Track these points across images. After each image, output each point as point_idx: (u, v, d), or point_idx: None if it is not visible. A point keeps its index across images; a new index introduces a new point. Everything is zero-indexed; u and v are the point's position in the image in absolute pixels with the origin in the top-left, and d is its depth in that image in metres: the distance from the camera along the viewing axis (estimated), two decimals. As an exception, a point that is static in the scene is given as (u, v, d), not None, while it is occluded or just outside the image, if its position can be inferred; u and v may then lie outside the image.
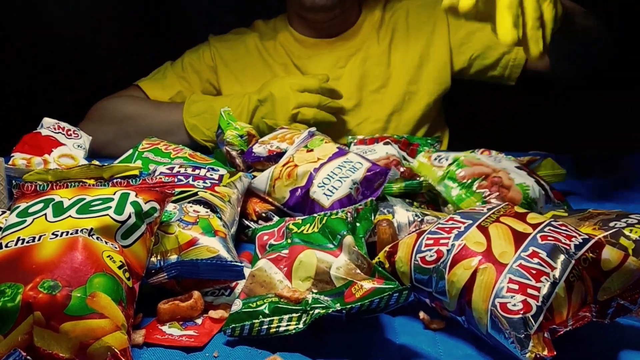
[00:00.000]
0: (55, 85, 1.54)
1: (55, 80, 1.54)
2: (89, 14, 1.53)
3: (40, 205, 0.67)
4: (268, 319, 0.63)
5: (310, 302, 0.64)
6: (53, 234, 0.62)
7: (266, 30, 1.44)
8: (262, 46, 1.42)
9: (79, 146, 1.09)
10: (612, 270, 0.62)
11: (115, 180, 0.77)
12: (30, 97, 1.54)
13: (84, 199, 0.68)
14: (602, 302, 0.62)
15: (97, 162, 0.99)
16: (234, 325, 0.64)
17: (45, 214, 0.65)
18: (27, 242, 0.61)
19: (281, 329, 0.63)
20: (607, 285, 0.62)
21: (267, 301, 0.65)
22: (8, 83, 1.50)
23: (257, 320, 0.64)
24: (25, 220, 0.65)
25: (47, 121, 1.12)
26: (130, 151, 1.03)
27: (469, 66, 1.39)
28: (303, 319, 0.63)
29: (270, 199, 0.93)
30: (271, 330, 0.63)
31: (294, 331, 0.63)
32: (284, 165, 0.93)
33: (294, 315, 0.63)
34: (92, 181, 0.86)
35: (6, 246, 0.61)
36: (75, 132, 1.12)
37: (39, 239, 0.61)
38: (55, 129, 1.08)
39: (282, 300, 0.65)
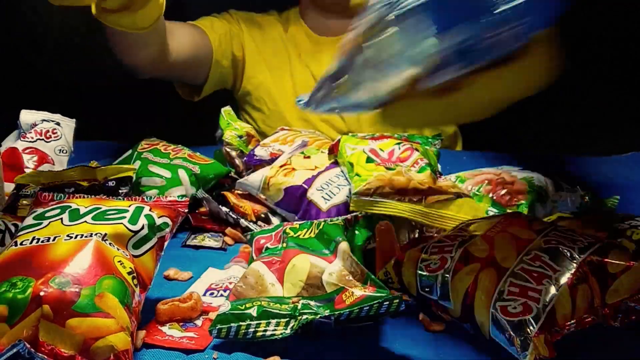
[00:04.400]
0: (52, 81, 1.54)
1: (53, 76, 1.54)
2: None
3: (57, 211, 0.68)
4: (255, 322, 0.63)
5: (299, 307, 0.64)
6: (68, 235, 0.63)
7: (282, 20, 1.44)
8: (285, 37, 1.42)
9: (60, 150, 1.08)
10: (620, 272, 0.62)
11: (132, 197, 0.78)
12: (28, 94, 1.54)
13: (100, 207, 0.69)
14: (610, 305, 0.62)
15: (95, 163, 0.99)
16: (220, 326, 0.64)
17: (61, 218, 0.67)
18: (42, 241, 0.63)
19: (268, 333, 0.63)
20: (615, 288, 0.62)
21: (256, 304, 0.65)
22: (7, 80, 1.50)
23: (244, 323, 0.63)
24: (42, 223, 0.66)
25: (24, 121, 1.09)
26: (129, 152, 1.03)
27: None
28: (291, 324, 0.63)
29: (262, 198, 0.93)
30: (257, 334, 0.63)
31: (280, 336, 0.62)
32: (280, 167, 0.93)
33: (282, 320, 0.63)
34: (85, 183, 0.86)
35: (21, 244, 0.63)
36: (55, 130, 1.09)
37: (53, 240, 0.63)
38: (32, 135, 1.06)
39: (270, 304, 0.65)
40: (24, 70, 1.59)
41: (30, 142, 1.06)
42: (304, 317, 0.63)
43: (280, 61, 1.40)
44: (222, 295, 0.74)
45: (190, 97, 1.41)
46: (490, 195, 0.88)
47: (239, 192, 0.96)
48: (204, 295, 0.74)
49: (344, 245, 0.71)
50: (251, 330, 0.63)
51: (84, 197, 0.73)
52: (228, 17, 1.41)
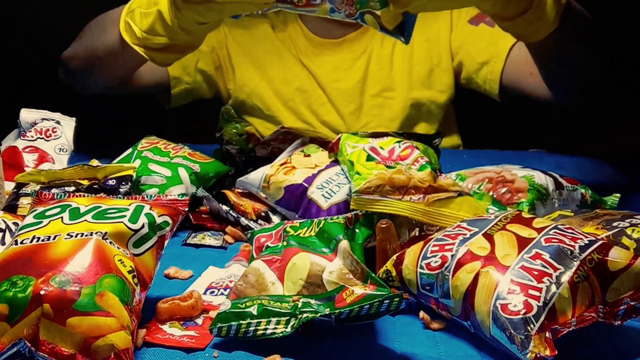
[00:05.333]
0: (52, 81, 1.54)
1: (53, 76, 1.53)
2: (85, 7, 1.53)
3: (58, 210, 0.69)
4: (255, 320, 0.63)
5: (300, 306, 0.64)
6: (68, 234, 0.64)
7: (276, 21, 1.42)
8: (274, 36, 1.40)
9: (60, 149, 1.08)
10: (621, 270, 0.62)
11: (133, 196, 0.78)
12: (28, 94, 1.54)
13: (100, 206, 0.69)
14: (611, 303, 0.62)
15: (96, 161, 0.99)
16: (220, 324, 0.64)
17: (62, 217, 0.67)
18: (42, 240, 0.63)
19: (268, 331, 0.63)
20: (615, 286, 0.62)
21: (256, 303, 0.65)
22: (5, 79, 1.50)
23: (244, 322, 0.63)
24: (42, 222, 0.66)
25: (24, 120, 1.10)
26: (130, 150, 1.03)
27: (458, 74, 1.37)
28: (291, 323, 0.63)
29: (263, 196, 0.93)
30: (258, 332, 0.63)
31: (280, 334, 0.62)
32: (281, 165, 0.93)
33: (282, 318, 0.63)
34: (85, 182, 0.86)
35: (21, 243, 0.63)
36: (55, 129, 1.10)
37: (54, 238, 0.63)
38: (32, 134, 1.07)
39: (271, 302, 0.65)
40: (24, 70, 1.59)
41: (30, 140, 1.06)
42: (304, 315, 0.63)
43: (271, 63, 1.39)
44: (222, 293, 0.74)
45: (163, 104, 1.41)
46: (491, 193, 0.88)
47: (239, 190, 0.97)
48: (205, 293, 0.74)
49: (344, 244, 0.71)
50: (251, 328, 0.63)
51: (84, 196, 0.73)
52: None
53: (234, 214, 0.91)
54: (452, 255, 0.66)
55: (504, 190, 0.88)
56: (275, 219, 0.92)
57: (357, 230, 0.77)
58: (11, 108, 1.17)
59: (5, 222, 0.77)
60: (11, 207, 0.85)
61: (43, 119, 1.11)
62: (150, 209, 0.70)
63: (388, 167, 0.83)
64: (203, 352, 0.63)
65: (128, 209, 0.69)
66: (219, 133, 1.08)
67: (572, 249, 0.63)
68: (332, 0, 0.78)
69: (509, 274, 0.62)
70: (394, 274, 0.71)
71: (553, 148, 1.33)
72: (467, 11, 1.32)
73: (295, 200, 0.90)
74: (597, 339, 0.65)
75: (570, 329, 0.59)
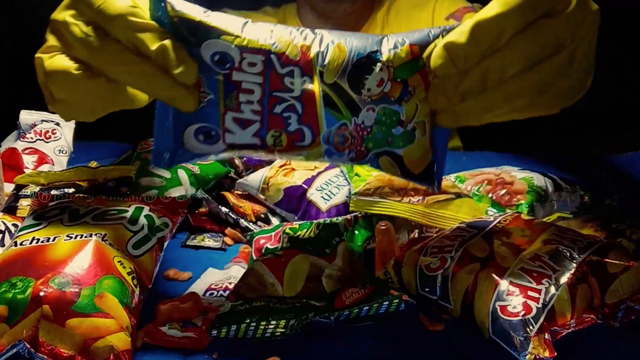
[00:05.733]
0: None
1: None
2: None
3: (57, 211, 0.69)
4: (255, 322, 0.63)
5: (299, 307, 0.64)
6: (67, 236, 0.64)
7: (275, 18, 1.42)
8: None
9: (60, 151, 1.08)
10: (619, 272, 0.62)
11: (132, 197, 0.78)
12: (28, 94, 1.53)
13: (100, 208, 0.70)
14: (610, 305, 0.62)
15: (95, 163, 0.99)
16: (220, 326, 0.64)
17: (61, 219, 0.67)
18: (42, 241, 0.63)
19: (267, 333, 0.63)
20: (615, 288, 0.62)
21: (255, 304, 0.65)
22: (7, 80, 1.50)
23: (243, 323, 0.63)
24: (42, 223, 0.67)
25: (23, 122, 1.10)
26: (129, 152, 1.03)
27: None
28: (290, 325, 0.63)
29: (262, 198, 0.93)
30: (257, 334, 0.63)
31: (280, 336, 0.63)
32: (280, 167, 0.93)
33: (282, 320, 0.63)
34: (85, 183, 0.86)
35: (21, 244, 0.63)
36: (54, 130, 1.10)
37: (53, 240, 0.63)
38: (32, 135, 1.07)
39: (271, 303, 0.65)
40: (24, 70, 1.59)
41: (29, 142, 1.06)
42: (304, 317, 0.63)
43: None
44: (221, 295, 0.74)
45: None
46: (490, 195, 0.89)
47: (238, 192, 0.96)
48: (204, 295, 0.74)
49: (343, 245, 0.71)
50: (251, 330, 0.63)
51: (83, 198, 0.73)
52: None
53: (233, 216, 0.91)
54: (451, 257, 0.67)
55: (503, 192, 0.88)
56: (275, 221, 0.91)
57: (356, 232, 0.77)
58: (11, 109, 1.17)
59: (4, 223, 0.77)
60: (11, 209, 0.85)
61: (42, 120, 1.11)
62: (149, 210, 0.70)
63: None
64: (202, 353, 0.63)
65: (128, 211, 0.69)
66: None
67: (571, 250, 0.63)
68: (330, 140, 0.62)
69: (509, 276, 0.62)
70: (393, 275, 0.71)
71: (553, 148, 1.33)
72: (447, 8, 1.31)
73: (295, 202, 0.90)
74: (596, 341, 0.65)
75: (570, 331, 0.60)
